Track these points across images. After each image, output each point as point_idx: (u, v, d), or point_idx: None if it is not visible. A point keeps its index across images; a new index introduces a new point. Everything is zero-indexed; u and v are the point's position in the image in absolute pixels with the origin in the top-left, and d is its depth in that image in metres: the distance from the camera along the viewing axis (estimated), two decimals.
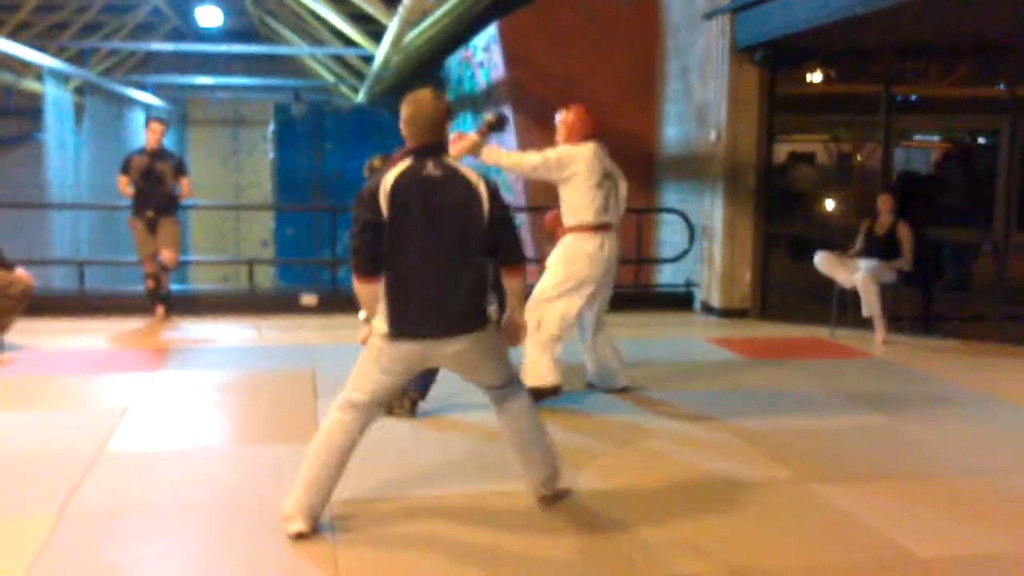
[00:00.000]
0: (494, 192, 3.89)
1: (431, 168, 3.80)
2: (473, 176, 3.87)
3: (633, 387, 6.35)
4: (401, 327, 3.79)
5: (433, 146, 3.87)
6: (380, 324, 3.84)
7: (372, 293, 3.82)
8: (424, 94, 3.95)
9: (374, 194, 3.74)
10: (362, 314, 4.07)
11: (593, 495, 4.42)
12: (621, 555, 3.80)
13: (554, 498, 4.28)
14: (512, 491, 4.37)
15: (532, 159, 5.92)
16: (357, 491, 4.33)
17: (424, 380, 5.51)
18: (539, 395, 5.50)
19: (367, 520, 4.08)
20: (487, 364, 4.01)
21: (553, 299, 5.93)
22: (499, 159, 5.84)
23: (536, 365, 5.88)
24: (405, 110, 3.92)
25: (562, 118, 6.09)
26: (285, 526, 3.90)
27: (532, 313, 5.82)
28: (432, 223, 3.76)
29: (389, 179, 3.75)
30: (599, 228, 5.97)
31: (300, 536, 3.85)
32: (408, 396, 5.52)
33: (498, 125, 5.83)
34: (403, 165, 3.81)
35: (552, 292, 5.93)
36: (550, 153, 5.94)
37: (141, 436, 5.27)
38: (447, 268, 3.80)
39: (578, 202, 5.94)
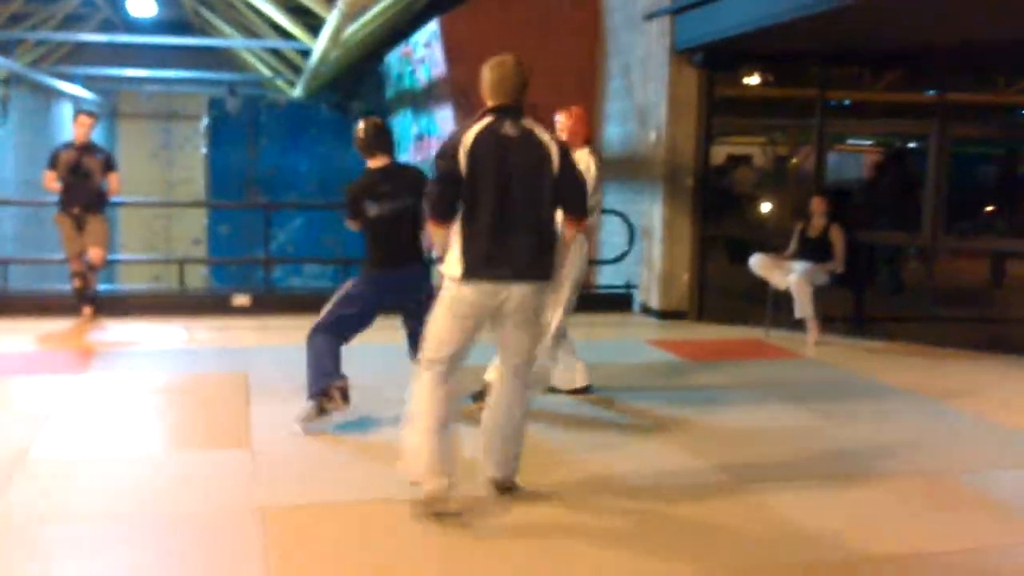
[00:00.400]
0: (564, 152, 4.19)
1: (508, 127, 4.08)
2: (546, 136, 4.17)
3: (594, 386, 6.41)
4: (475, 269, 4.05)
5: (512, 108, 4.14)
6: (453, 268, 4.08)
7: (445, 236, 4.16)
8: (508, 59, 4.21)
9: (454, 148, 4.04)
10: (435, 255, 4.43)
11: (534, 496, 4.38)
12: (563, 559, 3.77)
13: (503, 489, 4.37)
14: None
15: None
16: (294, 497, 4.25)
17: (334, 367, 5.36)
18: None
19: (296, 525, 3.99)
20: (534, 325, 4.23)
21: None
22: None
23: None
24: (489, 73, 4.18)
25: (563, 121, 6.12)
26: (423, 494, 4.04)
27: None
28: (507, 177, 4.05)
29: (469, 136, 4.05)
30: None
31: (434, 499, 4.01)
32: (336, 386, 5.30)
33: None
34: (482, 123, 4.09)
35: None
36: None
37: (65, 441, 5.11)
38: (519, 219, 4.08)
39: None
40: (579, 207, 4.29)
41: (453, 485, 4.09)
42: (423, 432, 4.08)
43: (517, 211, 4.07)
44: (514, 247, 4.06)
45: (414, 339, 5.32)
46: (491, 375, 5.85)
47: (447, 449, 4.11)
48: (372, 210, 5.40)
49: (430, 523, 4.05)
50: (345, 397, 5.33)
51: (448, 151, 4.06)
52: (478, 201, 4.04)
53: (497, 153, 4.03)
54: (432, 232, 4.24)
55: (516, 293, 4.10)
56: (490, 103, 4.16)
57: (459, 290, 4.09)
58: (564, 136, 6.10)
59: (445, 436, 4.10)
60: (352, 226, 5.56)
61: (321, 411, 5.28)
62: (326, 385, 5.26)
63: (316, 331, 5.41)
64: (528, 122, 4.17)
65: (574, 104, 6.39)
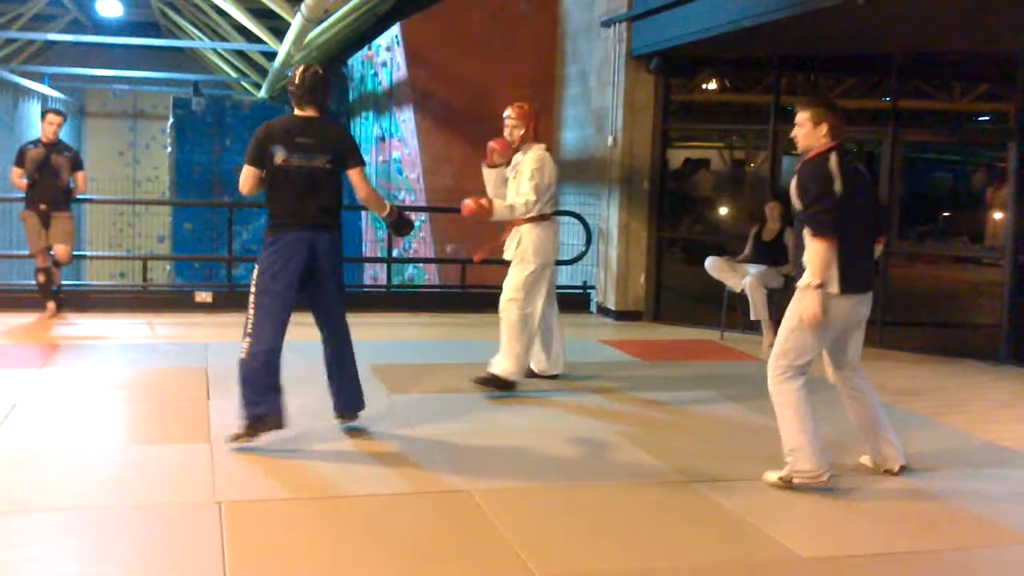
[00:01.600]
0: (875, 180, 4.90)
1: (849, 160, 4.71)
2: (863, 167, 4.87)
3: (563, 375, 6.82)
4: (850, 283, 4.61)
5: (844, 146, 4.78)
6: (831, 285, 4.57)
7: (832, 255, 4.55)
8: (834, 105, 4.80)
9: (830, 172, 4.58)
10: (805, 281, 4.59)
11: (488, 495, 4.46)
12: (512, 555, 3.85)
13: (900, 470, 4.92)
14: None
15: (530, 195, 6.29)
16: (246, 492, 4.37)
17: (276, 401, 4.97)
18: (501, 385, 6.27)
19: (255, 518, 4.11)
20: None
21: (530, 288, 6.36)
22: (513, 212, 6.33)
23: (511, 356, 6.30)
24: (834, 118, 4.67)
25: (512, 116, 6.44)
26: (809, 479, 4.60)
27: (512, 305, 6.33)
28: (860, 201, 4.68)
29: (833, 165, 4.59)
30: (553, 217, 6.57)
31: (820, 482, 4.62)
32: (260, 416, 4.92)
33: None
34: (836, 156, 4.64)
35: (529, 281, 6.36)
36: (538, 180, 6.31)
37: (28, 435, 5.17)
38: (867, 237, 4.79)
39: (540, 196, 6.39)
40: (885, 225, 5.19)
41: (831, 465, 4.69)
42: (808, 432, 4.63)
43: (867, 228, 4.76)
44: (867, 262, 4.79)
45: (338, 361, 5.20)
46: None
47: (821, 437, 4.68)
48: (279, 156, 4.91)
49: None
50: (276, 425, 4.95)
51: (826, 176, 4.57)
52: (846, 222, 4.57)
53: (854, 181, 4.64)
54: (824, 253, 4.51)
55: (867, 301, 4.78)
56: (831, 142, 4.67)
57: (833, 303, 4.58)
58: (518, 133, 6.36)
59: (818, 428, 4.68)
60: (245, 180, 5.00)
61: (249, 437, 4.92)
62: (252, 415, 4.92)
63: (245, 342, 5.04)
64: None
65: (536, 105, 6.67)
